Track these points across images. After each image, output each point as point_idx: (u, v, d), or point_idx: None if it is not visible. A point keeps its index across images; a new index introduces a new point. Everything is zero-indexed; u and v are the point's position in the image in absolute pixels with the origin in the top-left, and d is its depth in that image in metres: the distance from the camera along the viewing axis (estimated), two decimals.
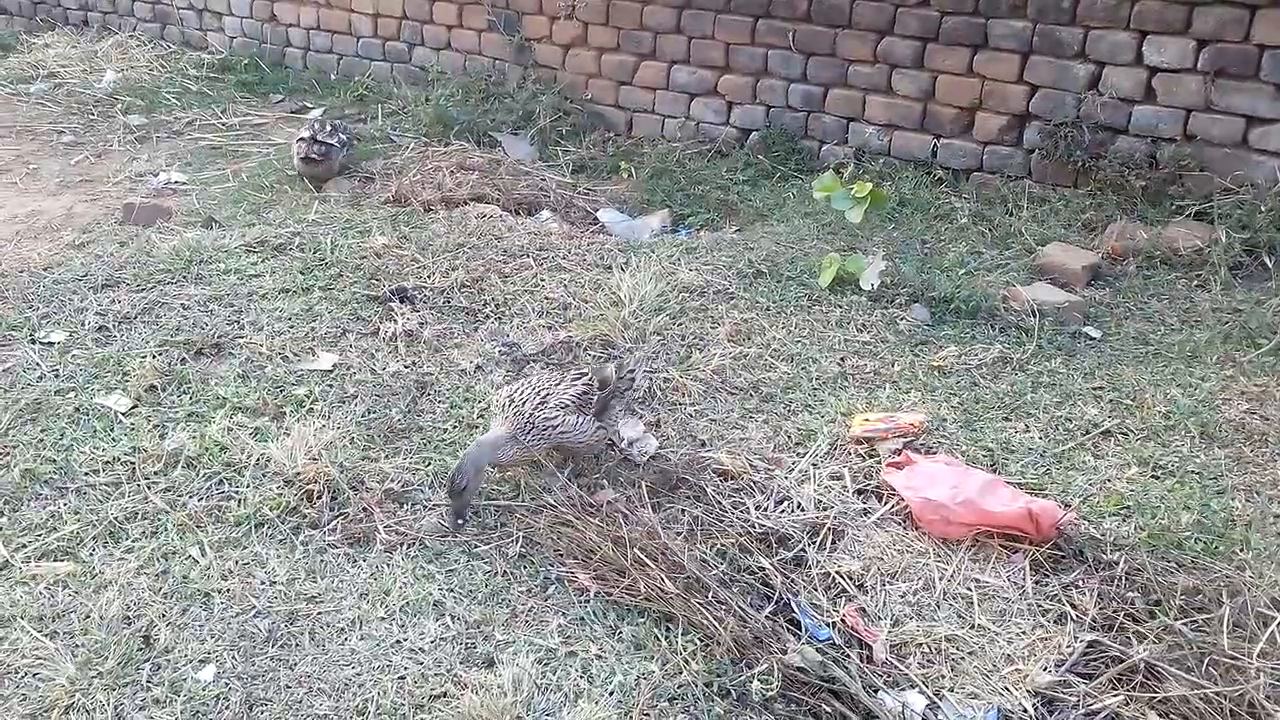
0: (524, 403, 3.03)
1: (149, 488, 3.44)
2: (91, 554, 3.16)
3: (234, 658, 2.82)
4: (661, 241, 5.53)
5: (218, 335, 4.31)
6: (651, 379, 3.67)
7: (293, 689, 2.73)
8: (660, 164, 6.49)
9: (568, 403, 3.06)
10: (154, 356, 4.15)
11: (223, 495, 3.42)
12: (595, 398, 3.09)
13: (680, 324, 4.56)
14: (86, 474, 3.48)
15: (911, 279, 4.90)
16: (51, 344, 4.24)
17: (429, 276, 4.94)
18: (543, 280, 4.93)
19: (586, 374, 3.16)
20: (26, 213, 5.73)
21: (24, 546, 3.17)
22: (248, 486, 3.42)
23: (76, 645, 2.83)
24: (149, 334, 4.34)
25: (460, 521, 3.05)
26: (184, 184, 6.25)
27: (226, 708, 2.66)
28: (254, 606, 2.99)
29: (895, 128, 6.30)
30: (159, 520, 3.31)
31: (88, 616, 2.92)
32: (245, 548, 3.21)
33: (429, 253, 5.17)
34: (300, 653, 2.85)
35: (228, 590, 3.04)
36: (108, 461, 3.55)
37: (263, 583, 3.08)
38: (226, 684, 2.74)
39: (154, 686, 2.72)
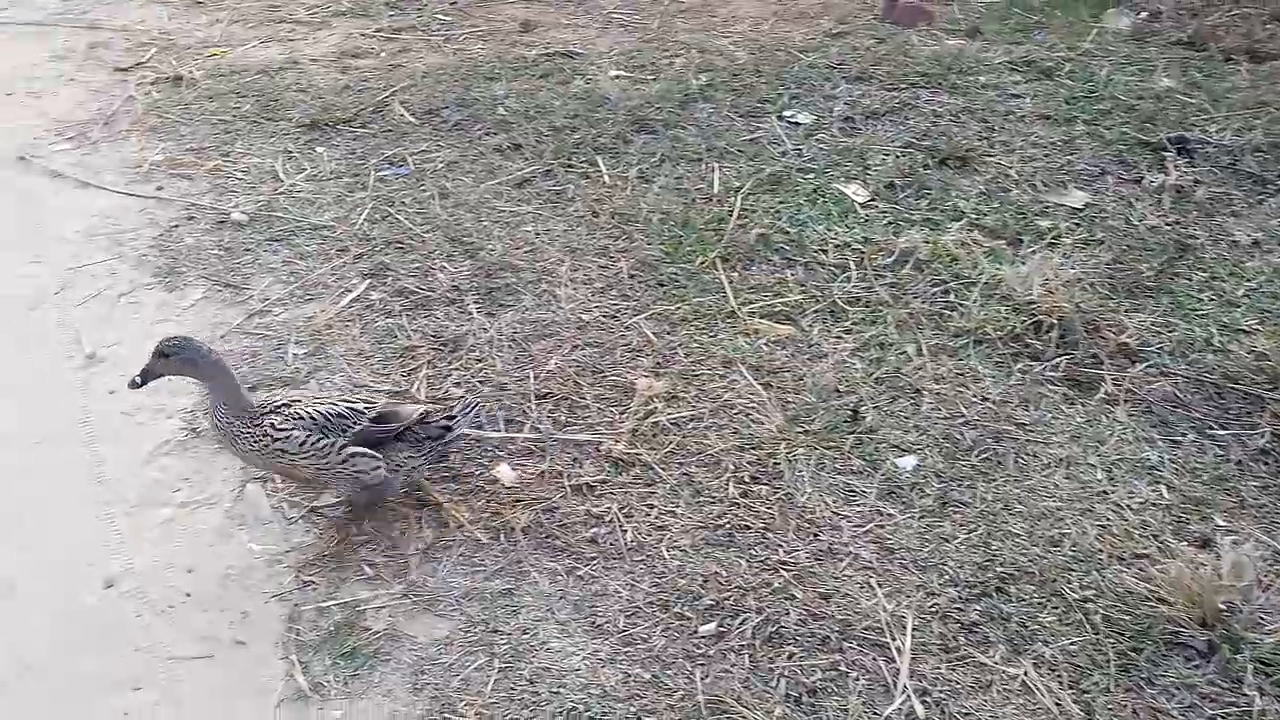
0: (285, 400, 3.24)
1: (875, 278, 4.44)
2: (811, 325, 4.24)
3: (935, 456, 3.68)
4: None
5: (965, 148, 5.17)
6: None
7: (989, 501, 3.51)
8: None
9: (310, 416, 3.19)
10: (897, 156, 5.15)
11: (946, 304, 4.28)
12: (359, 427, 3.22)
13: None
14: (816, 251, 4.59)
15: None
16: (798, 124, 5.49)
17: (1216, 132, 5.22)
18: None
19: (375, 402, 3.33)
20: None
21: (750, 303, 4.36)
22: (974, 302, 4.23)
23: (787, 400, 3.92)
24: (894, 133, 5.37)
25: (139, 382, 3.20)
26: None
27: (922, 497, 3.53)
28: (962, 415, 3.81)
29: None
30: (880, 311, 4.29)
31: (800, 378, 4.00)
32: (961, 359, 4.05)
33: (1221, 106, 5.43)
34: (1002, 471, 3.61)
35: (938, 393, 3.91)
36: (838, 245, 4.62)
37: (974, 396, 3.89)
38: (924, 477, 3.61)
39: (854, 457, 3.68)
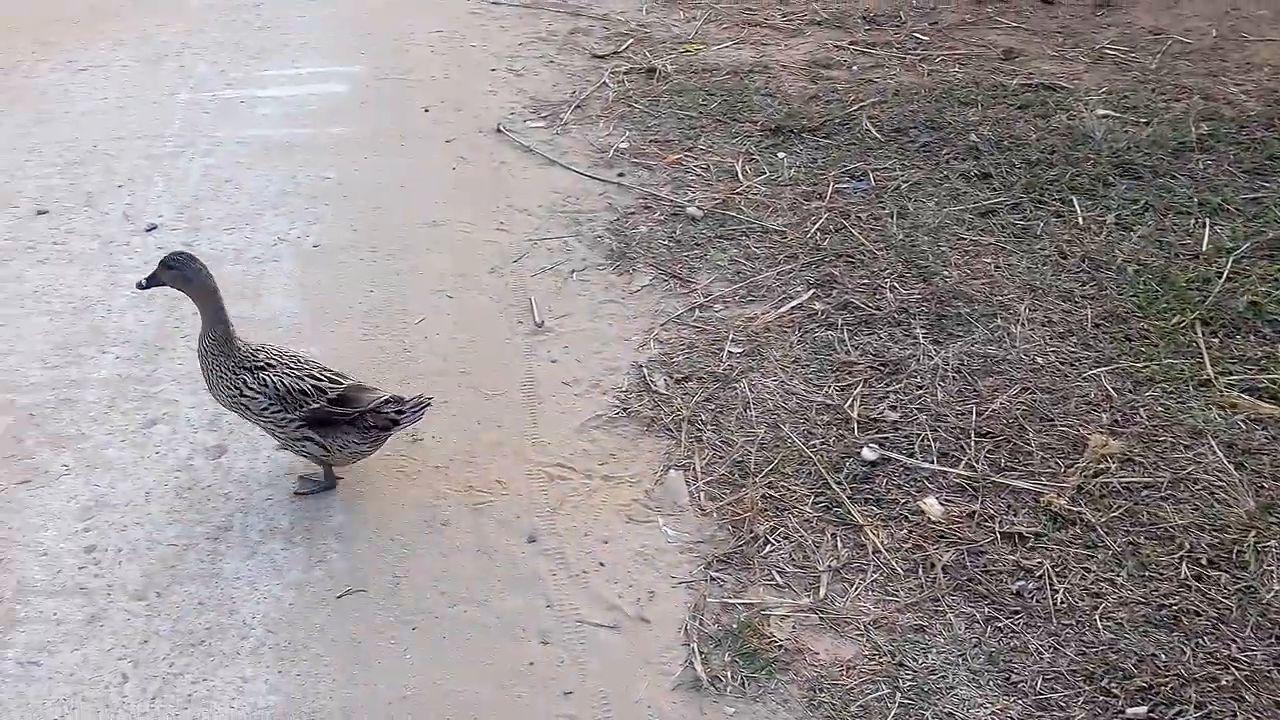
0: (267, 358, 3.52)
1: None
2: None
3: None
4: None
5: None
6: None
7: None
8: None
9: (275, 386, 3.49)
10: None
11: None
12: (315, 406, 3.50)
13: None
14: None
15: None
16: None
17: None
18: None
19: (343, 381, 3.58)
20: None
21: (1230, 373, 4.13)
22: None
23: (1262, 485, 3.67)
24: None
25: (144, 284, 3.56)
26: None
27: None
28: None
29: None
30: None
31: (1277, 460, 3.73)
32: None
33: None
34: None
35: None
36: None
37: None
38: None
39: None
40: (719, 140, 5.89)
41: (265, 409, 3.53)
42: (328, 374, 3.62)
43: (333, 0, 8.22)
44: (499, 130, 6.14)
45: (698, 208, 5.26)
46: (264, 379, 3.52)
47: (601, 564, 3.52)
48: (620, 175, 5.64)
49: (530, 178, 5.69)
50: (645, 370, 4.27)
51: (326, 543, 3.58)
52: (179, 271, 3.53)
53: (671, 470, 3.84)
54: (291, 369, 3.57)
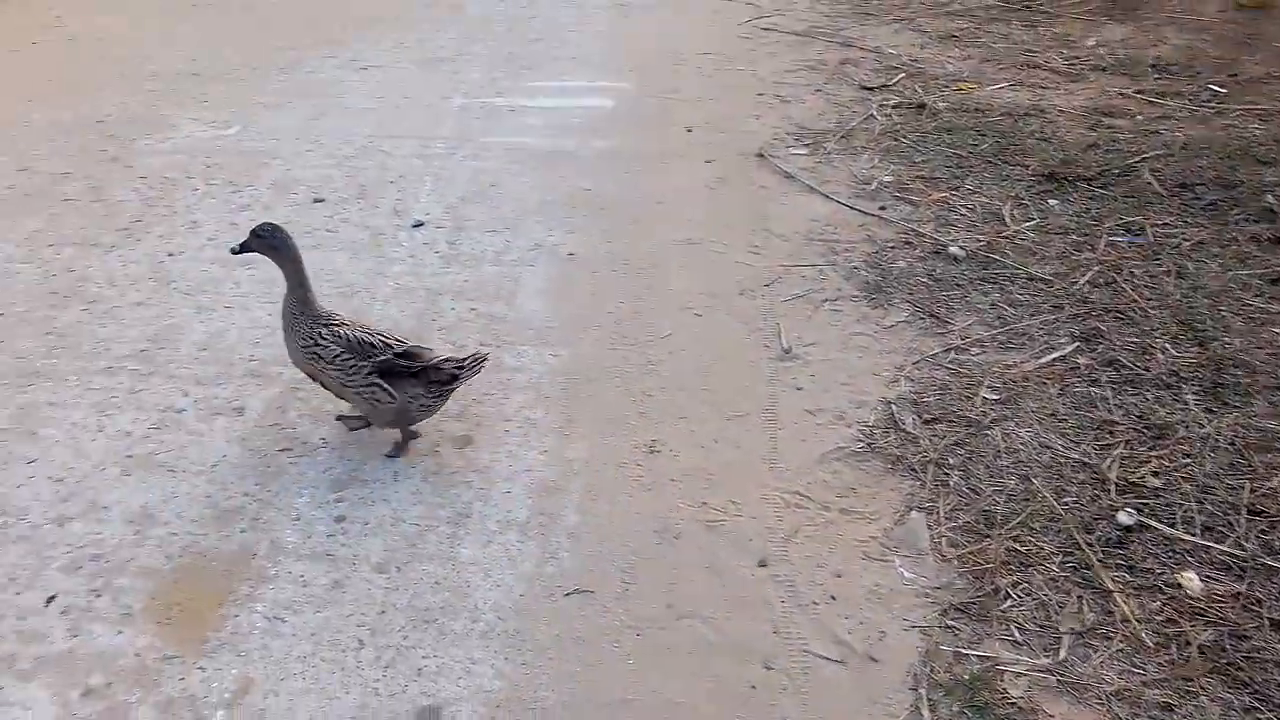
0: (343, 319, 3.94)
1: None
2: None
3: None
4: None
5: None
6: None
7: None
8: None
9: (346, 338, 3.90)
10: None
11: None
12: (384, 359, 3.89)
13: None
14: None
15: None
16: None
17: None
18: None
19: (405, 341, 3.95)
20: None
21: None
22: None
23: None
24: None
25: (237, 249, 3.94)
26: None
27: None
28: None
29: None
30: None
31: None
32: None
33: None
34: None
35: None
36: None
37: None
38: None
39: None
40: (987, 182, 5.84)
41: (336, 356, 3.87)
42: (394, 336, 3.97)
43: (604, 18, 8.51)
44: (760, 155, 6.25)
45: (960, 248, 5.23)
46: (337, 332, 3.90)
47: (833, 597, 3.54)
48: (882, 208, 5.66)
49: (789, 204, 5.78)
50: (894, 407, 4.27)
51: (559, 540, 3.72)
52: (267, 240, 3.92)
53: (913, 511, 3.83)
54: (360, 328, 3.94)
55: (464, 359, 4.02)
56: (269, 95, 7.34)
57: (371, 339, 3.92)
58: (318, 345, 3.90)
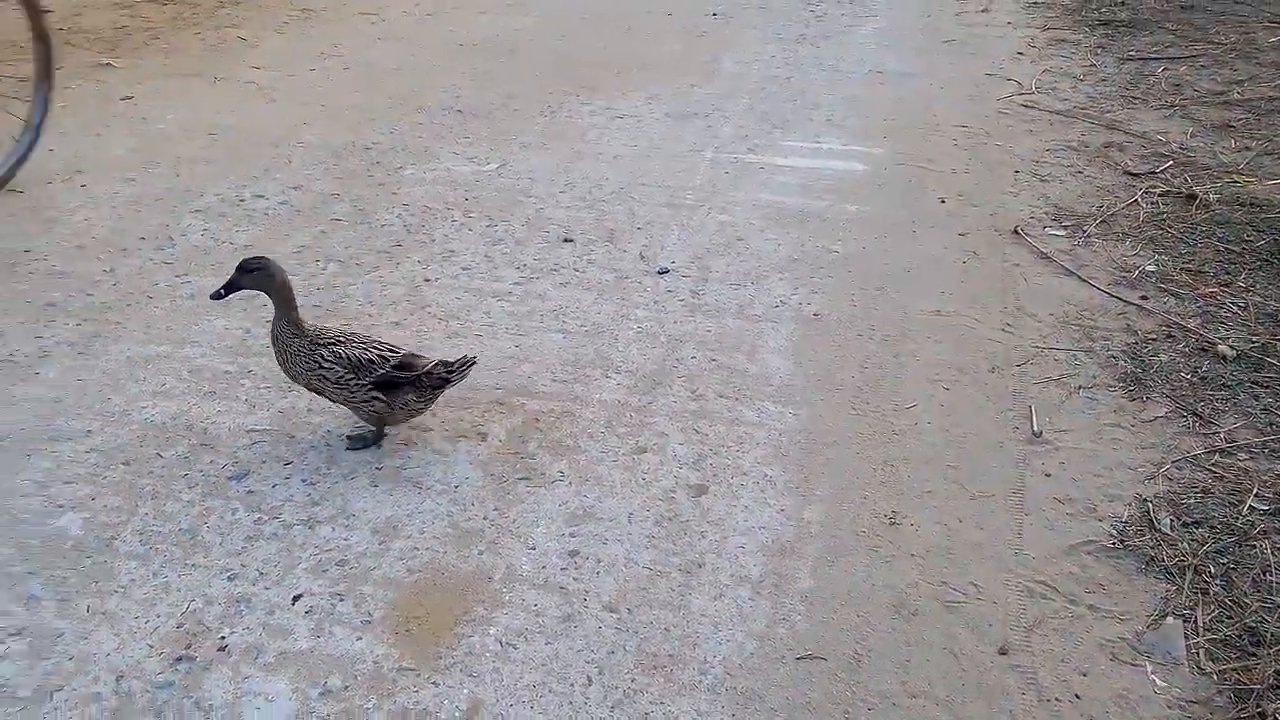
0: (335, 335, 4.08)
1: None
2: None
3: None
4: None
5: None
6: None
7: None
8: None
9: (347, 358, 4.03)
10: None
11: None
12: (382, 372, 4.06)
13: None
14: None
15: None
16: None
17: None
18: None
19: (399, 351, 4.11)
20: None
21: None
22: None
23: None
24: None
25: (222, 293, 3.98)
26: None
27: None
28: None
29: None
30: None
31: None
32: None
33: None
34: None
35: None
36: None
37: None
38: None
39: None
40: (1263, 281, 5.54)
41: (340, 377, 4.05)
42: (386, 345, 4.14)
43: (860, 83, 8.48)
44: (1016, 232, 6.09)
45: (1230, 346, 4.96)
46: (337, 353, 4.05)
47: (1077, 695, 3.36)
48: (1143, 298, 5.43)
49: (1043, 284, 5.60)
50: (1150, 505, 4.06)
51: (792, 603, 3.64)
52: (263, 272, 4.01)
53: (1169, 617, 3.61)
54: (356, 344, 4.08)
55: (454, 363, 4.21)
56: (528, 136, 7.54)
57: (370, 355, 4.09)
58: (321, 368, 4.07)
